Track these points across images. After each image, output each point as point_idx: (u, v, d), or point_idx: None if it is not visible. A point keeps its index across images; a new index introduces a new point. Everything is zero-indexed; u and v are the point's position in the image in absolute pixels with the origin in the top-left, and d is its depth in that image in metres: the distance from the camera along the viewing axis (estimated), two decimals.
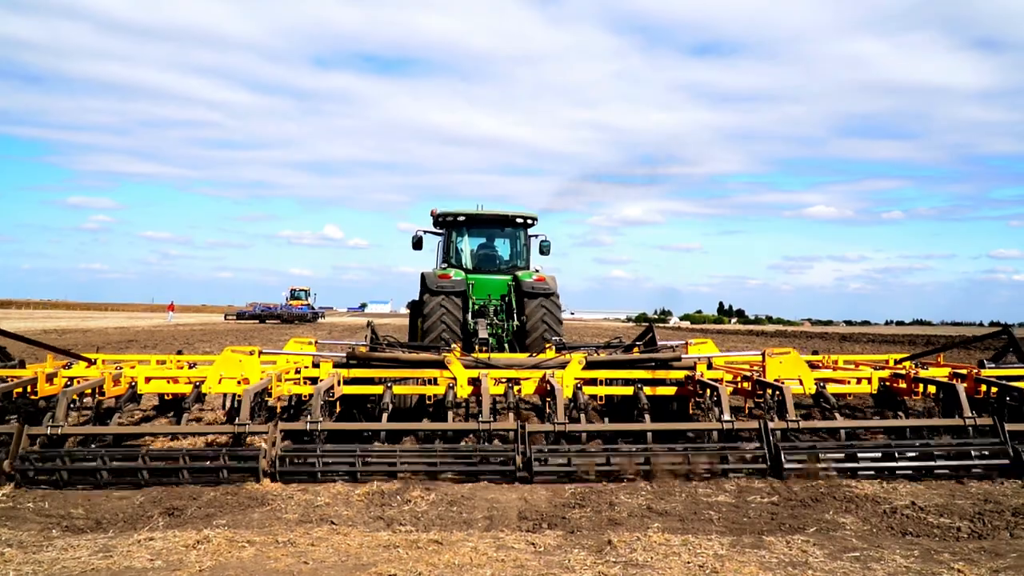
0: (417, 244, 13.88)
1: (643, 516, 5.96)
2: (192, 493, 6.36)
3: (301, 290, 61.71)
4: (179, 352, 10.49)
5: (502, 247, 14.16)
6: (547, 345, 10.08)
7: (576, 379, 8.25)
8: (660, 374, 8.66)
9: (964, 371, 8.84)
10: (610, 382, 8.73)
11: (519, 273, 13.12)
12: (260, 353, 8.37)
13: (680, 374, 8.63)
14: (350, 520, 5.73)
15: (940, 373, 9.01)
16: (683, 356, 9.41)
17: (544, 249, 14.03)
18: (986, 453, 7.06)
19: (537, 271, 13.35)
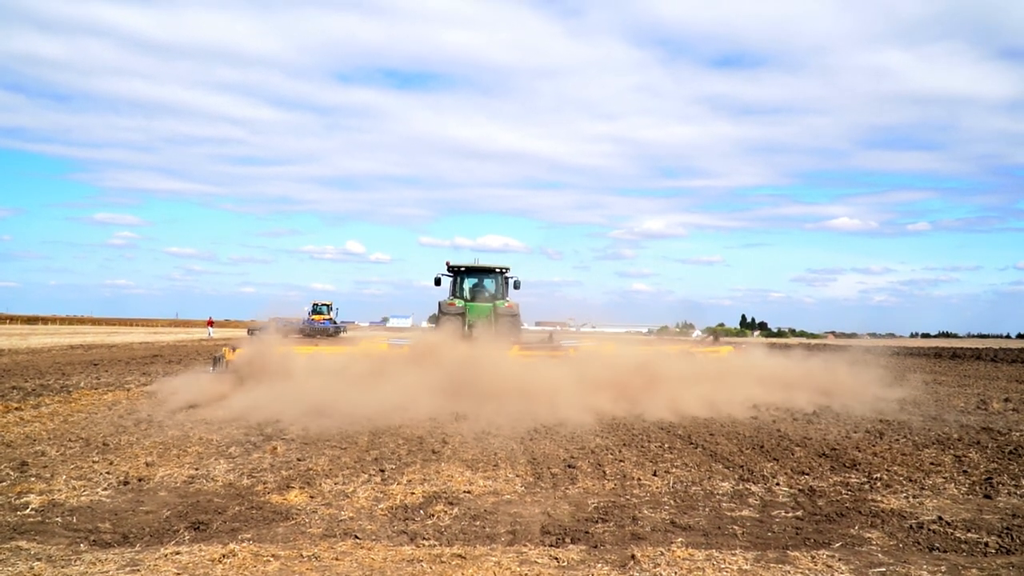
0: (437, 282, 21.14)
1: (666, 531, 5.94)
2: (217, 507, 6.42)
3: (324, 304, 62.04)
4: (317, 343, 18.30)
5: (489, 285, 21.51)
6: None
7: (516, 355, 16.21)
8: (553, 353, 17.03)
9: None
10: (530, 355, 16.45)
11: (497, 302, 20.66)
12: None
13: (562, 352, 17.10)
14: (374, 534, 5.76)
15: (675, 349, 18.64)
16: (563, 345, 18.57)
17: (516, 285, 21.31)
18: None
19: (507, 301, 20.72)
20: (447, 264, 21.08)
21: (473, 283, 21.54)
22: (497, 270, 21.32)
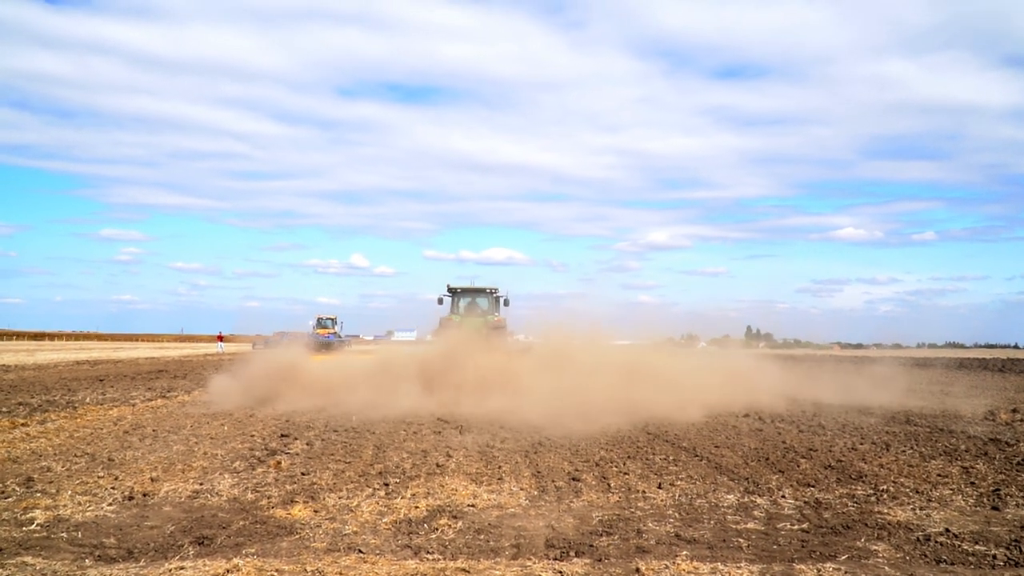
0: (440, 302, 25.34)
1: (671, 544, 5.92)
2: (221, 522, 6.42)
3: (328, 318, 62.14)
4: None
5: (481, 303, 25.79)
6: None
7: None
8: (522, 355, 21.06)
9: None
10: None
11: (488, 317, 24.72)
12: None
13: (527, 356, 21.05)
14: (378, 548, 5.75)
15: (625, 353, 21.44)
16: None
17: (506, 302, 25.33)
18: None
19: (496, 316, 24.91)
20: (447, 286, 25.83)
21: (468, 301, 25.95)
22: (488, 290, 25.93)
